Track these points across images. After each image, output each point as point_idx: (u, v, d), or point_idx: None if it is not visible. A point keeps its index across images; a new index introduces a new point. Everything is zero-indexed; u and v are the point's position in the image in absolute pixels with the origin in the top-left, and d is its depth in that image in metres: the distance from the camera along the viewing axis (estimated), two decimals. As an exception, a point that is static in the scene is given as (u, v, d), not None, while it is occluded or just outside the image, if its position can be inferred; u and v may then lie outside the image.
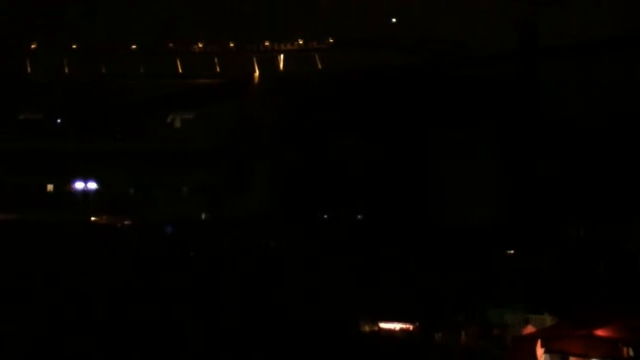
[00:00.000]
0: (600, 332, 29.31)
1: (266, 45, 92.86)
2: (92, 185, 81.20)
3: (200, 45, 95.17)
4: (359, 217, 66.78)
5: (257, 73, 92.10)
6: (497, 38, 71.53)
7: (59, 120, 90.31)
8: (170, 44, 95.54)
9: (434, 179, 63.67)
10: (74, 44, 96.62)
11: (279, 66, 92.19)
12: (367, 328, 39.92)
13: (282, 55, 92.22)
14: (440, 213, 61.09)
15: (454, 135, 64.14)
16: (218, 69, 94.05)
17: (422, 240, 53.46)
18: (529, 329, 33.86)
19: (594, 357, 29.56)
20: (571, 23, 70.10)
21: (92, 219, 75.31)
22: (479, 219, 58.35)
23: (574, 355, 30.08)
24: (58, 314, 40.71)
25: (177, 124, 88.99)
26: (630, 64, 62.52)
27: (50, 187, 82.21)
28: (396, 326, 39.50)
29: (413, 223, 59.68)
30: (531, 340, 30.85)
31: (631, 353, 28.85)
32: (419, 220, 60.39)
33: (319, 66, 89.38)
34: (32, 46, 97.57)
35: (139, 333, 38.21)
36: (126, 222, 73.01)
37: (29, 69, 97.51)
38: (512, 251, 52.04)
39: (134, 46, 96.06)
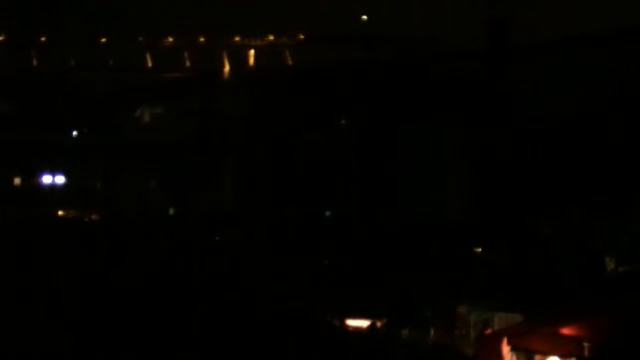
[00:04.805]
0: (565, 330, 29.64)
1: (236, 40, 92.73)
2: (60, 179, 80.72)
3: (170, 39, 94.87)
4: (327, 213, 66.83)
5: (227, 68, 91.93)
6: (467, 35, 71.88)
7: (26, 113, 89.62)
8: (140, 38, 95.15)
9: (402, 175, 63.87)
10: (42, 36, 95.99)
11: (249, 61, 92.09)
12: (334, 325, 39.98)
13: (252, 51, 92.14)
14: (408, 209, 61.31)
15: (423, 131, 64.37)
16: (188, 63, 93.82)
17: (390, 237, 53.61)
18: (496, 327, 34.17)
19: (559, 355, 29.89)
20: (541, 22, 70.54)
21: (60, 213, 74.88)
22: (447, 217, 58.63)
23: (539, 352, 30.40)
24: (23, 309, 40.49)
25: (146, 118, 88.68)
26: (600, 62, 63.05)
27: (17, 180, 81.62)
28: (363, 323, 39.62)
29: (381, 220, 59.85)
30: (497, 337, 31.12)
31: (594, 351, 29.20)
32: (387, 216, 60.58)
33: (290, 62, 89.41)
34: (0, 38, 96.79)
35: (105, 328, 38.10)
36: (94, 217, 72.66)
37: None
38: (479, 249, 52.34)
39: (103, 39, 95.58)
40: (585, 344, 29.34)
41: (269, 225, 60.12)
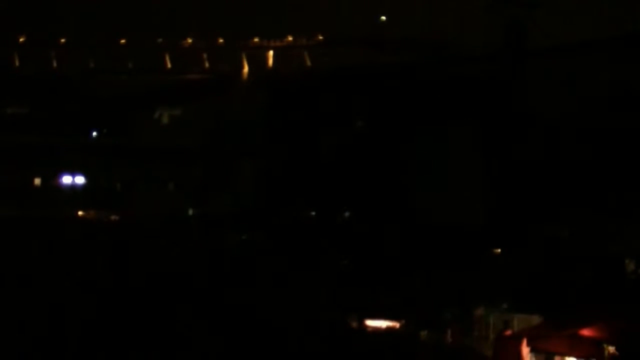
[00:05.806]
0: (584, 332, 29.65)
1: (255, 42, 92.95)
2: (80, 180, 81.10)
3: (189, 41, 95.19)
4: (346, 215, 66.88)
5: (245, 69, 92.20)
6: (484, 39, 71.84)
7: (46, 115, 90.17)
8: (159, 39, 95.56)
9: (420, 177, 63.86)
10: (62, 38, 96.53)
11: (267, 63, 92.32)
12: (354, 326, 40.07)
13: (271, 52, 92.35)
14: (426, 212, 61.30)
15: (440, 134, 64.36)
16: (207, 65, 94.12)
17: (409, 238, 53.64)
18: (515, 328, 34.19)
19: (578, 357, 29.91)
20: (558, 25, 70.48)
21: (80, 213, 75.25)
22: (466, 218, 58.58)
23: (559, 354, 30.43)
24: (44, 310, 40.76)
25: (165, 119, 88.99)
26: (614, 66, 62.86)
27: (37, 181, 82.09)
28: (383, 324, 39.69)
29: (399, 221, 59.86)
30: (516, 339, 31.16)
31: (613, 352, 29.21)
32: (405, 218, 60.58)
33: (308, 63, 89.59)
34: (21, 39, 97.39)
35: (124, 329, 38.31)
36: (113, 217, 72.98)
37: (17, 63, 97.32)
38: (498, 250, 52.28)
39: (122, 41, 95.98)
40: (604, 346, 29.34)
41: (288, 225, 60.26)
